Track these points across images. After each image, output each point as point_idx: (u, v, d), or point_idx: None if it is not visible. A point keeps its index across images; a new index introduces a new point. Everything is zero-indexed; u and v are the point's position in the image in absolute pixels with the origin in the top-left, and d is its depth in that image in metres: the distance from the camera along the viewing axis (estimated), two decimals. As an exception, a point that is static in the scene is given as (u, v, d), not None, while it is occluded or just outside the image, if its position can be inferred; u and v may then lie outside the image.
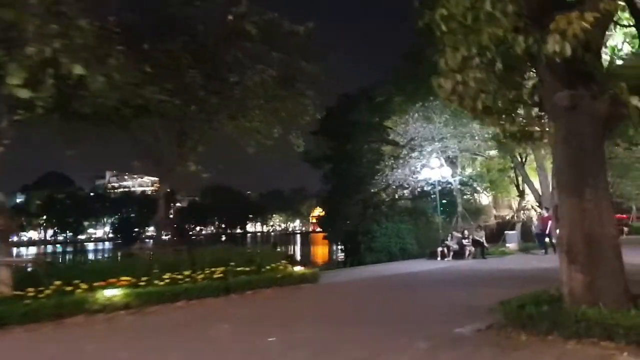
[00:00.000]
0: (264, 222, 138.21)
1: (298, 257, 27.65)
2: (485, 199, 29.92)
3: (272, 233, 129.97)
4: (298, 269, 12.28)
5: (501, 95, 6.44)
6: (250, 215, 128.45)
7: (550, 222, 17.17)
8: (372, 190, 21.16)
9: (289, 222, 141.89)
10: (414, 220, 22.19)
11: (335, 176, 29.49)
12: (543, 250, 17.44)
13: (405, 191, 22.70)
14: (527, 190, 24.85)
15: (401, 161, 20.87)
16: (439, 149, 20.58)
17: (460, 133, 19.79)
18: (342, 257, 27.60)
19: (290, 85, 11.89)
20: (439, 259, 17.80)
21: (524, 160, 23.68)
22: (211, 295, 9.62)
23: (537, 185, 22.47)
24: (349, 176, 26.20)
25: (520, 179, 25.74)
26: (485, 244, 17.84)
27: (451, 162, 21.45)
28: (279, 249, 20.90)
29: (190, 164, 12.11)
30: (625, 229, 38.83)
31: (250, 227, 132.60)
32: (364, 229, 24.13)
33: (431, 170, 20.71)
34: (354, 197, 24.10)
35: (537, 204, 22.27)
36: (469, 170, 29.29)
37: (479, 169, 27.87)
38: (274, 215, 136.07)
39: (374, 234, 24.02)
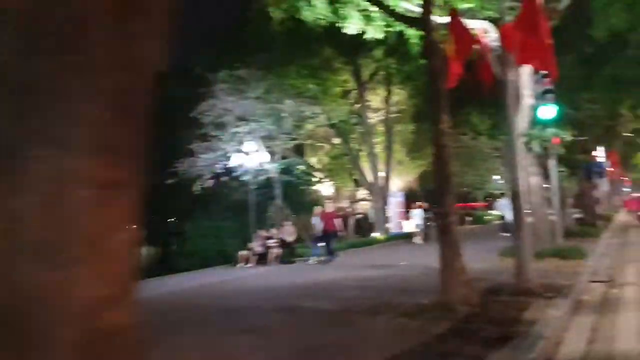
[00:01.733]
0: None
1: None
2: (327, 189, 27.64)
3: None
4: None
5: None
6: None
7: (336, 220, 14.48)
8: (175, 180, 16.83)
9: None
10: (238, 217, 18.62)
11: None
12: (324, 257, 13.72)
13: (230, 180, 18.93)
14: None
15: (208, 143, 16.91)
16: (256, 130, 17.07)
17: (275, 111, 16.53)
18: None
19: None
20: (240, 264, 14.32)
21: (359, 146, 21.55)
22: None
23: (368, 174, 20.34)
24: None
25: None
26: (295, 243, 14.74)
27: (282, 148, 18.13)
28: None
29: None
30: (469, 218, 40.06)
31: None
32: (176, 228, 19.90)
33: (247, 155, 17.07)
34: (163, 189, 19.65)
35: (369, 194, 20.13)
36: (313, 159, 26.58)
37: (321, 157, 25.29)
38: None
39: (188, 233, 19.94)
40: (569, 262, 10.03)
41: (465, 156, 30.48)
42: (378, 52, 17.61)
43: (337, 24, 9.95)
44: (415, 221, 17.62)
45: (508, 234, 13.99)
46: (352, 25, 9.83)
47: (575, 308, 6.48)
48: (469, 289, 6.09)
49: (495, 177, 43.13)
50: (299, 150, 26.18)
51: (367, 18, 9.95)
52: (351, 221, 21.65)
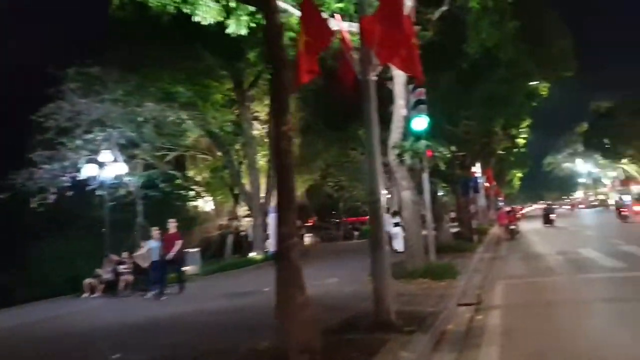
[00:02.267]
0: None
1: None
2: (209, 205, 25.69)
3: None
4: None
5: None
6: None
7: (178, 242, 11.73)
8: (9, 194, 13.96)
9: None
10: (94, 237, 16.02)
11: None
12: (155, 290, 11.14)
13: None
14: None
15: (52, 152, 14.35)
16: (113, 138, 14.85)
17: (136, 116, 14.51)
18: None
19: None
20: (85, 294, 12.06)
21: (241, 157, 20.05)
22: None
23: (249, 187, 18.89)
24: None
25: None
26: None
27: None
28: None
29: None
30: (356, 232, 40.28)
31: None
32: (17, 251, 16.77)
33: (102, 166, 14.76)
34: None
35: (248, 211, 18.67)
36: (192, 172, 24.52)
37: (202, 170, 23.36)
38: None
39: (31, 258, 16.93)
40: (439, 283, 9.44)
41: (355, 171, 30.61)
42: (252, 55, 16.37)
43: (185, 11, 8.47)
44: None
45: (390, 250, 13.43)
46: (204, 14, 8.43)
47: (436, 343, 5.61)
48: (311, 329, 4.90)
49: (384, 191, 44.12)
50: (179, 163, 24.04)
51: (224, 7, 8.63)
52: (229, 240, 19.98)
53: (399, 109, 10.84)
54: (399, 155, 10.70)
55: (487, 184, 40.39)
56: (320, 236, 31.56)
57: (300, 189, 26.46)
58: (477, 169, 33.76)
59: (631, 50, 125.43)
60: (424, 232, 11.66)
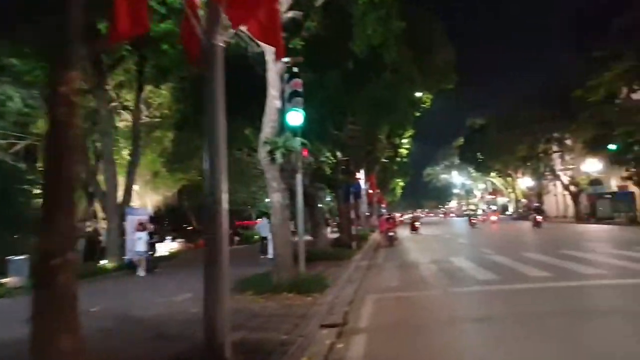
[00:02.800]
0: None
1: None
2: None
3: None
4: None
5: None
6: None
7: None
8: None
9: None
10: None
11: None
12: None
13: None
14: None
15: None
16: None
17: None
18: None
19: None
20: None
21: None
22: None
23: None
24: None
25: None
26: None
27: None
28: None
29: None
30: (237, 237, 38.42)
31: None
32: None
33: None
34: None
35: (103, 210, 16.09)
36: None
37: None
38: None
39: None
40: (305, 299, 8.27)
41: (239, 173, 28.91)
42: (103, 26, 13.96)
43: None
44: (139, 247, 13.78)
45: (267, 256, 12.08)
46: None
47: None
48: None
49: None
50: (30, 154, 20.47)
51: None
52: (80, 244, 17.19)
53: (272, 100, 9.54)
54: (270, 153, 9.38)
55: (370, 191, 41.09)
56: (194, 241, 29.26)
57: (172, 189, 24.10)
58: (361, 175, 34.00)
59: (504, 70, 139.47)
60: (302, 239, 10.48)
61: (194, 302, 8.83)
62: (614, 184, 43.48)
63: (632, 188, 33.50)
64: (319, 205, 17.95)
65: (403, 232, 36.88)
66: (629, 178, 31.50)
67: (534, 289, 8.51)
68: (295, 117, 9.70)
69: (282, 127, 9.76)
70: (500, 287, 8.74)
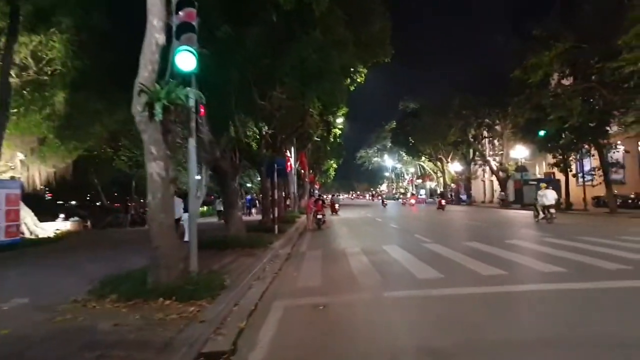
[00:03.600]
0: None
1: None
2: None
3: None
4: None
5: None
6: None
7: None
8: None
9: None
10: None
11: None
12: None
13: None
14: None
15: None
16: None
17: None
18: None
19: None
20: None
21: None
22: None
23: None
24: None
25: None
26: None
27: None
28: None
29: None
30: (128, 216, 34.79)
31: None
32: None
33: None
34: None
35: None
36: None
37: None
38: None
39: None
40: (188, 308, 5.88)
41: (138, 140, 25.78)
42: None
43: None
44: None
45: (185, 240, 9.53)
46: None
47: None
48: None
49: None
50: None
51: None
52: None
53: (152, 32, 6.87)
54: (149, 106, 6.76)
55: (302, 170, 38.96)
56: (92, 221, 25.66)
57: (65, 160, 20.49)
58: (291, 153, 31.68)
59: (438, 56, 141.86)
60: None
61: (25, 311, 6.17)
62: (539, 170, 44.57)
63: (559, 175, 33.86)
64: (238, 183, 15.42)
65: (335, 215, 35.27)
66: (556, 165, 31.63)
67: (489, 295, 6.67)
68: (186, 60, 7.10)
69: (166, 72, 7.14)
70: (448, 292, 6.80)
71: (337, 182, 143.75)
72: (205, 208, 41.54)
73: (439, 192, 71.24)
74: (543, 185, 21.96)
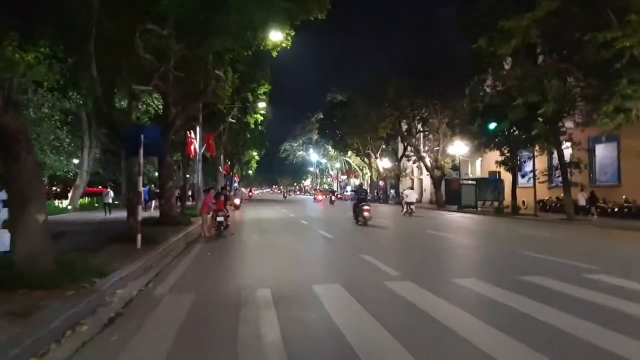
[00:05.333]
0: None
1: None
2: None
3: None
4: None
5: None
6: None
7: None
8: None
9: None
10: None
11: None
12: None
13: None
14: None
15: None
16: None
17: None
18: None
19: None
20: None
21: None
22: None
23: None
24: None
25: None
26: None
27: None
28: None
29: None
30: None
31: None
32: None
33: None
34: None
35: None
36: None
37: None
38: None
39: None
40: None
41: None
42: None
43: None
44: None
45: None
46: None
47: None
48: None
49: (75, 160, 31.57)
50: None
51: None
52: None
53: None
54: None
55: (211, 157, 32.35)
56: None
57: None
58: (196, 134, 25.13)
59: (368, 44, 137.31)
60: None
61: None
62: (478, 169, 41.29)
63: (505, 174, 30.34)
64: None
65: (250, 213, 29.16)
66: (503, 163, 27.98)
67: None
68: None
69: None
70: None
71: (261, 175, 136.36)
72: (86, 200, 33.63)
73: (363, 188, 67.41)
74: (408, 186, 30.37)
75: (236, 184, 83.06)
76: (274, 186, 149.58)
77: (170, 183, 17.51)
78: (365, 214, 18.29)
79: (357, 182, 77.52)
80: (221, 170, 44.74)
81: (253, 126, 42.84)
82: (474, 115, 27.41)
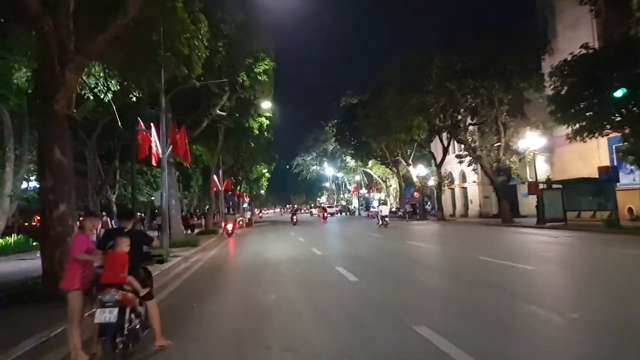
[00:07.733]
0: None
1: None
2: None
3: None
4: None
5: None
6: None
7: None
8: None
9: None
10: None
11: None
12: None
13: None
14: None
15: None
16: None
17: None
18: None
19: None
20: None
21: None
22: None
23: None
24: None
25: None
26: None
27: None
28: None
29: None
30: None
31: None
32: None
33: None
34: None
35: None
36: None
37: None
38: None
39: None
40: None
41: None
42: None
43: None
44: None
45: None
46: None
47: None
48: None
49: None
50: None
51: None
52: None
53: None
54: None
55: (184, 163, 23.22)
56: None
57: None
58: (160, 130, 16.09)
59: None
60: None
61: None
62: (543, 169, 31.15)
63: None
64: None
65: (252, 239, 19.49)
66: (628, 153, 18.47)
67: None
68: None
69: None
70: None
71: (272, 195, 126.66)
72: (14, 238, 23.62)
73: (391, 203, 57.74)
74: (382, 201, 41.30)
75: (246, 205, 74.01)
76: (287, 205, 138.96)
77: (63, 207, 8.22)
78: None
79: (381, 195, 67.70)
80: (220, 187, 35.57)
81: (257, 132, 33.65)
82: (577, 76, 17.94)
